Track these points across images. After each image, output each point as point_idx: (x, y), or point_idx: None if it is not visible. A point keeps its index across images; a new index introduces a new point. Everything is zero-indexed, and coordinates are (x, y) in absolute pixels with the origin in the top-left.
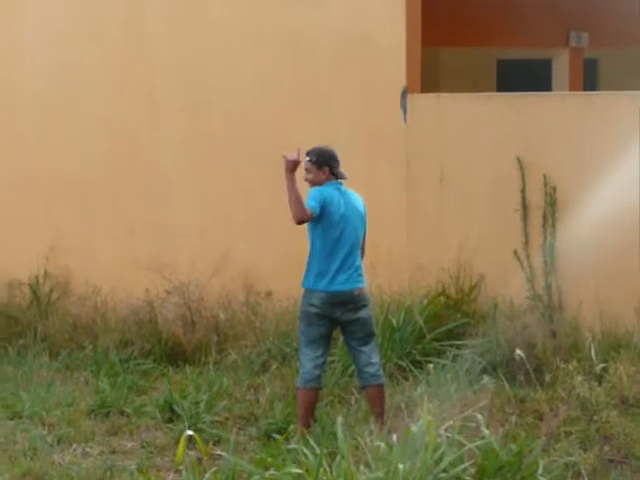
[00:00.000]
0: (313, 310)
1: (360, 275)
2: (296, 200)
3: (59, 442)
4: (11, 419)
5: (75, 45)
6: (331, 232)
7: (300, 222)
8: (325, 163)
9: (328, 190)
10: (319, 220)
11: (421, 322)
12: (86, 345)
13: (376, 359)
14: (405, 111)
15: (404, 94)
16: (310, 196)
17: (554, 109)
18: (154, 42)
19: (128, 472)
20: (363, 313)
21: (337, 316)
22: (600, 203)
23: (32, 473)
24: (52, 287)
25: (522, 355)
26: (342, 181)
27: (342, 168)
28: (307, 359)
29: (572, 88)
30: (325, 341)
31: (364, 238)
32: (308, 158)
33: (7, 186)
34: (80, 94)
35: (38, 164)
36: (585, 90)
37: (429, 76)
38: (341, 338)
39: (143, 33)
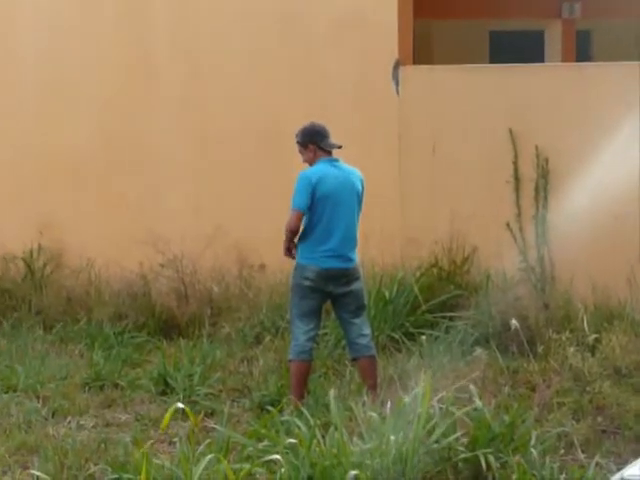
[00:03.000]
0: (307, 283)
1: (352, 251)
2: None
3: (53, 415)
4: (6, 392)
5: (69, 18)
6: (326, 209)
7: (295, 227)
8: (309, 141)
9: (317, 170)
10: (313, 197)
11: (417, 292)
12: (80, 318)
13: (367, 331)
14: (397, 83)
15: (396, 66)
16: (296, 189)
17: (546, 80)
18: (149, 17)
19: (122, 444)
20: (355, 286)
21: (330, 290)
22: (592, 174)
23: (27, 446)
24: (46, 261)
25: (517, 325)
26: (336, 154)
27: (331, 139)
28: (300, 332)
29: (564, 59)
30: (317, 314)
31: (359, 215)
32: (296, 140)
33: (2, 161)
34: (74, 70)
35: (32, 139)
36: (577, 61)
37: (422, 48)
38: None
39: (139, 8)
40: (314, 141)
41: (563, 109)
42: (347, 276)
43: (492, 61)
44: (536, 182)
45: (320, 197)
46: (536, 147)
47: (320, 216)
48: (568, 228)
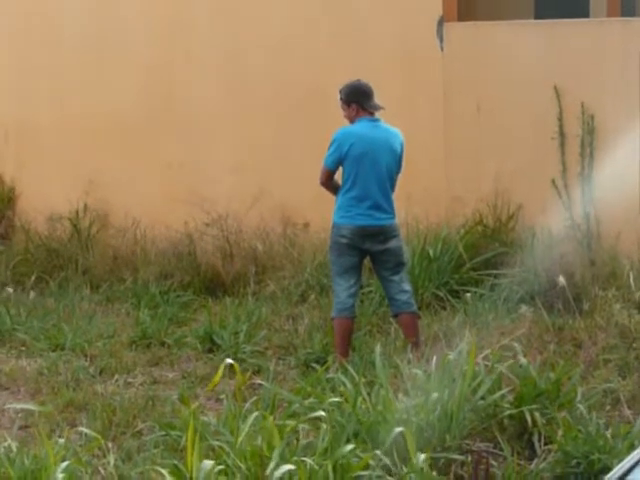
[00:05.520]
0: (343, 241)
1: (388, 210)
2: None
3: (101, 373)
4: (54, 351)
5: None
6: (362, 168)
7: (324, 183)
8: (353, 99)
9: (354, 130)
10: (346, 159)
11: (461, 250)
12: (126, 277)
13: (407, 287)
14: (442, 40)
15: (440, 23)
16: (330, 146)
17: (592, 36)
18: None
19: (170, 402)
20: (392, 243)
21: (367, 247)
22: (639, 130)
23: (75, 403)
24: (92, 220)
25: (564, 282)
26: (378, 114)
27: (376, 100)
28: (341, 289)
29: (609, 14)
30: (357, 271)
31: (397, 175)
32: (339, 96)
33: (47, 122)
34: (118, 32)
35: (78, 100)
36: (623, 16)
37: (465, 3)
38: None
39: None
40: (358, 101)
41: (609, 65)
42: (383, 233)
43: (537, 16)
44: (582, 139)
45: (356, 157)
46: (582, 104)
47: (356, 175)
48: (614, 184)
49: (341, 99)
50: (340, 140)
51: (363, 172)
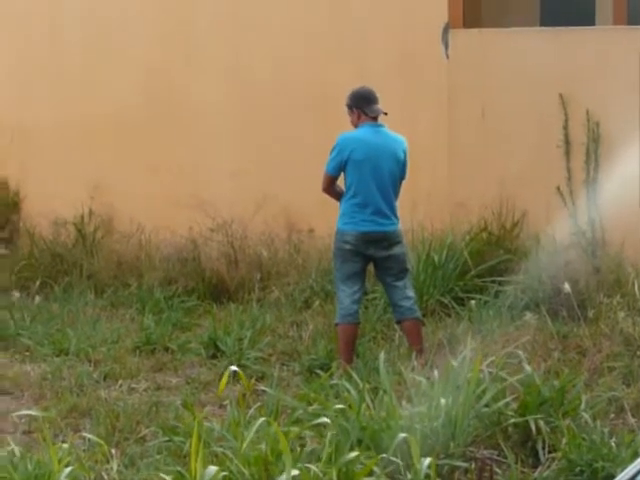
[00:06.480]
0: (347, 247)
1: (391, 216)
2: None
3: (105, 378)
4: (58, 356)
5: None
6: (364, 174)
7: (326, 189)
8: (355, 105)
9: (355, 136)
10: (347, 164)
11: (466, 256)
12: (131, 283)
13: (411, 294)
14: (447, 47)
15: (446, 29)
16: (331, 153)
17: (597, 43)
18: None
19: (173, 408)
20: (396, 250)
21: (371, 253)
22: None
23: (79, 409)
24: (97, 226)
25: (569, 289)
26: (381, 120)
27: (377, 105)
28: (344, 295)
29: (616, 22)
30: (360, 277)
31: (401, 181)
32: (345, 102)
33: (51, 127)
34: (120, 35)
35: (81, 105)
36: (629, 23)
37: (470, 10)
38: None
39: None
40: (359, 106)
41: (614, 73)
42: (387, 240)
43: (542, 23)
44: (587, 146)
45: (357, 162)
46: (587, 111)
47: (359, 181)
48: (619, 192)
49: (346, 105)
50: (341, 145)
51: (365, 178)
